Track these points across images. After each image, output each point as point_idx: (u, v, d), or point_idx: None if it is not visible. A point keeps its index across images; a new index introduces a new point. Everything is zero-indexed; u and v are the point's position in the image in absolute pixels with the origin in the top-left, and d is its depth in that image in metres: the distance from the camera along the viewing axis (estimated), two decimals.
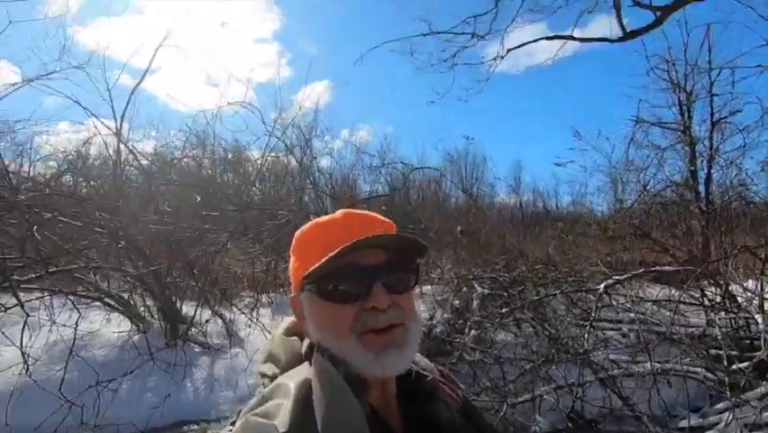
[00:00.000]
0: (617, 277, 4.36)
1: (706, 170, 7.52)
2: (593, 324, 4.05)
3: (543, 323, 4.77)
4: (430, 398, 0.71)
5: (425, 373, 0.74)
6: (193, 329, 5.76)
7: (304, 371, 0.64)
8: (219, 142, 9.59)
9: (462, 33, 6.27)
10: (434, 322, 6.05)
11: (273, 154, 8.45)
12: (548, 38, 6.68)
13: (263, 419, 0.56)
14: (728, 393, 3.21)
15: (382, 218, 0.75)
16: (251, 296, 7.09)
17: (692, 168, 7.58)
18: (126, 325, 5.53)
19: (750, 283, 4.65)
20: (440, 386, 0.74)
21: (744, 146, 6.66)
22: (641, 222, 6.73)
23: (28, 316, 3.84)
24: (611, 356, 4.22)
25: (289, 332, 0.77)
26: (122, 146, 6.62)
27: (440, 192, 17.39)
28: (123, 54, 11.37)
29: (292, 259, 0.74)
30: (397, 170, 9.83)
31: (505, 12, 6.36)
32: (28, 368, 3.65)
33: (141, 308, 5.91)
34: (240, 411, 0.63)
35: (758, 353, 3.49)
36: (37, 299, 4.64)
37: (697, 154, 7.68)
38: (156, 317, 5.85)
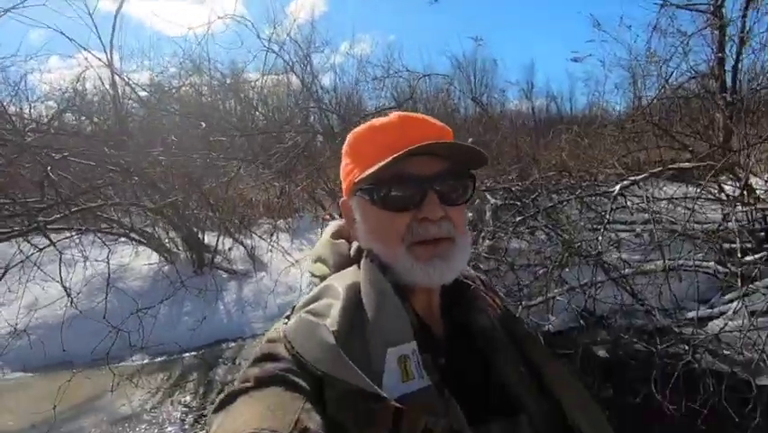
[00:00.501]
0: (632, 178, 4.29)
1: (735, 56, 6.93)
2: (607, 226, 4.07)
3: (556, 229, 4.82)
4: (471, 306, 0.73)
5: (467, 282, 0.76)
6: (218, 257, 6.03)
7: (352, 274, 0.66)
8: (215, 67, 9.14)
9: None
10: None
11: (272, 74, 8.03)
12: None
13: (315, 317, 0.59)
14: (739, 284, 3.30)
15: (439, 123, 0.72)
16: (269, 223, 7.28)
17: (720, 54, 6.98)
18: (155, 257, 5.81)
19: None
20: (481, 296, 0.76)
21: None
22: (660, 119, 6.42)
23: (62, 254, 4.04)
24: (624, 257, 4.31)
25: (336, 235, 0.78)
26: (116, 78, 6.38)
27: (449, 103, 16.69)
28: None
29: (345, 161, 0.73)
30: (403, 78, 9.29)
31: None
32: (72, 301, 3.93)
33: (166, 241, 6.15)
34: (294, 307, 0.65)
35: None
36: (66, 238, 4.85)
37: (726, 38, 7.03)
38: (181, 248, 6.11)
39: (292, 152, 5.64)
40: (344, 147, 0.73)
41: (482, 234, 5.37)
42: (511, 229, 4.79)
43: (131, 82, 6.66)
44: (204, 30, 8.62)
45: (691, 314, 3.56)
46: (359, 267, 0.66)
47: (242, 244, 6.34)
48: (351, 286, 0.62)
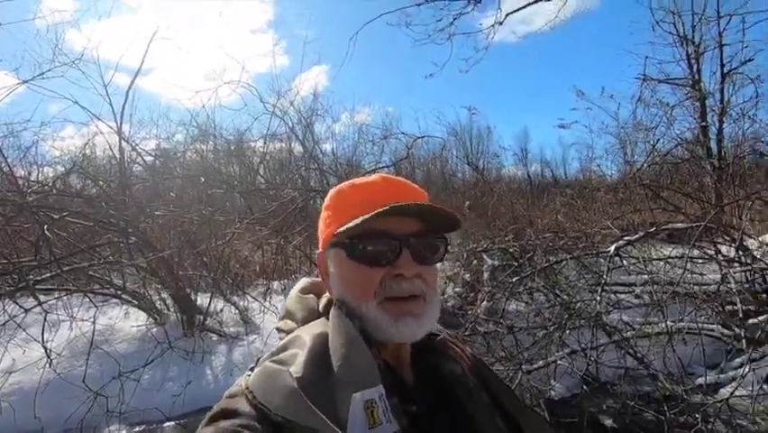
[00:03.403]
0: (627, 238, 4.30)
1: (717, 125, 7.30)
2: (605, 287, 4.01)
3: (554, 290, 4.75)
4: (441, 355, 0.73)
5: (434, 332, 0.75)
6: (209, 319, 5.86)
7: (320, 325, 0.66)
8: (220, 133, 9.58)
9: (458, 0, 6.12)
10: (446, 297, 6.08)
11: (276, 140, 8.37)
12: None
13: (279, 365, 0.58)
14: (745, 347, 3.18)
15: (417, 187, 0.75)
16: (264, 284, 7.17)
17: (703, 123, 7.36)
18: (143, 318, 5.65)
19: (766, 237, 4.55)
20: (450, 345, 0.76)
21: (756, 96, 6.45)
22: (651, 182, 6.59)
23: (47, 313, 3.94)
24: (624, 318, 4.20)
25: (305, 291, 0.79)
26: (124, 144, 6.64)
27: (446, 169, 17.22)
28: (119, 54, 11.33)
29: (324, 214, 0.74)
30: (400, 141, 9.71)
31: None
32: (51, 363, 3.76)
33: (158, 302, 6.01)
34: (258, 359, 0.64)
35: None
36: (55, 298, 4.75)
37: (707, 109, 7.45)
38: (172, 309, 5.95)
39: (289, 209, 5.70)
40: (326, 201, 0.75)
41: (480, 295, 5.28)
42: (508, 290, 4.72)
43: (137, 147, 6.94)
44: (210, 94, 9.07)
45: (700, 380, 3.39)
46: (327, 319, 0.67)
47: (234, 305, 6.19)
48: (318, 335, 0.62)
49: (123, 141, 6.60)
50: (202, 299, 6.09)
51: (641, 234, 4.41)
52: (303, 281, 0.81)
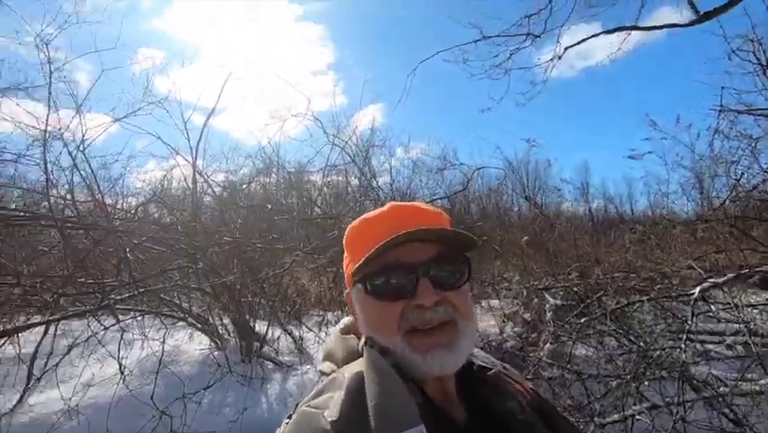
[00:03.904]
0: (713, 280, 3.89)
1: None
2: (689, 335, 3.61)
3: (628, 335, 4.36)
4: (495, 390, 0.69)
5: (486, 365, 0.71)
6: (266, 347, 5.97)
7: (358, 365, 0.64)
8: (282, 167, 10.13)
9: (516, 35, 6.13)
10: (505, 336, 5.78)
11: (334, 167, 8.67)
12: (609, 31, 6.31)
13: (315, 409, 0.57)
14: None
15: (433, 209, 0.72)
16: (319, 314, 7.26)
17: None
18: (206, 342, 5.87)
19: None
20: (505, 379, 0.72)
21: None
22: (737, 220, 5.99)
23: (124, 331, 4.20)
24: (714, 372, 3.73)
25: (346, 330, 0.77)
26: (197, 176, 7.18)
27: (501, 204, 16.86)
28: (197, 98, 12.55)
29: (345, 254, 0.74)
30: (456, 174, 9.71)
31: (559, 9, 6.15)
32: (124, 379, 3.97)
33: (219, 327, 6.25)
34: (296, 405, 0.63)
35: None
36: (130, 318, 5.08)
37: None
38: (232, 334, 6.15)
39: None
40: (344, 240, 0.74)
41: (543, 336, 4.97)
42: (575, 332, 4.40)
43: (208, 179, 7.47)
44: (278, 128, 9.67)
45: None
46: None
47: (290, 334, 6.28)
48: (355, 375, 0.60)
49: (196, 173, 7.16)
50: (260, 326, 6.26)
51: (730, 276, 3.97)
52: (344, 321, 0.80)
